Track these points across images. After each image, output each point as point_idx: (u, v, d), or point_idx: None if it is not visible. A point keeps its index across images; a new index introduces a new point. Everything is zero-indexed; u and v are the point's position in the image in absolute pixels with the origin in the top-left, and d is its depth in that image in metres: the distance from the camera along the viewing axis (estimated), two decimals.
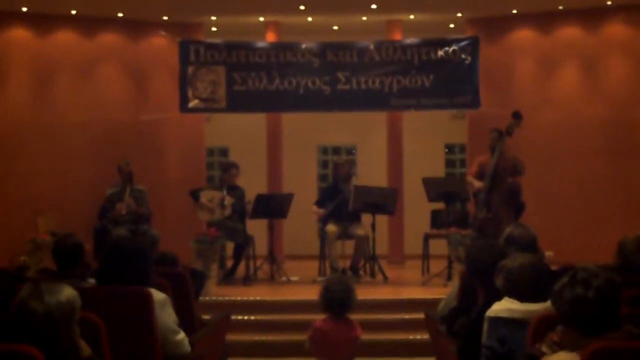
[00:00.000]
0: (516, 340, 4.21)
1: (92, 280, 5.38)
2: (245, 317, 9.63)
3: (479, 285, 5.25)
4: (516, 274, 4.39)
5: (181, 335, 5.25)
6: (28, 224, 12.35)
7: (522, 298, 4.34)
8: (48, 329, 3.55)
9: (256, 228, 12.09)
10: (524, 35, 14.03)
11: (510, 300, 4.38)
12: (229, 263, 11.89)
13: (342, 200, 11.63)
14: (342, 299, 6.10)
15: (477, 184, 10.76)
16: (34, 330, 3.53)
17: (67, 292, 3.66)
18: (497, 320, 4.37)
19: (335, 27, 14.67)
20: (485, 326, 4.47)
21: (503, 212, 10.33)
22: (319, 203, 12.01)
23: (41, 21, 13.58)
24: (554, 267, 5.28)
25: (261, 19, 14.11)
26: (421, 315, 8.08)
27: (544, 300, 4.29)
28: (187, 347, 5.29)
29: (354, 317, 6.93)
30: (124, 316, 4.87)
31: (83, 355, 3.70)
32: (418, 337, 8.88)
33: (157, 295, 5.08)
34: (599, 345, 3.31)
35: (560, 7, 13.52)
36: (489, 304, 4.55)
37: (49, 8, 13.25)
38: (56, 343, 3.57)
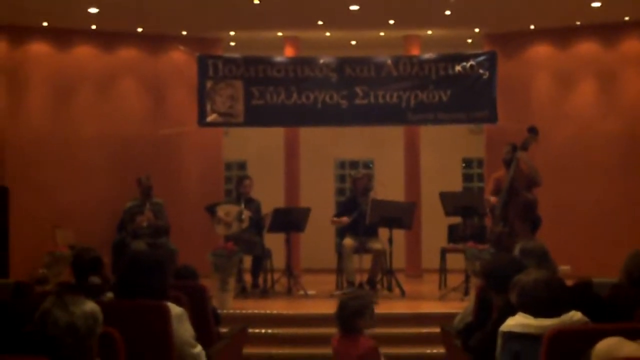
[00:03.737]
0: (530, 356, 4.21)
1: (110, 294, 5.42)
2: (263, 331, 9.64)
3: (496, 297, 5.26)
4: (530, 289, 4.40)
5: (198, 348, 5.28)
6: (47, 237, 12.47)
7: (536, 313, 4.34)
8: (70, 339, 3.51)
9: (273, 242, 12.11)
10: (542, 51, 14.05)
11: (524, 315, 4.38)
12: (247, 276, 11.92)
13: (359, 214, 11.66)
14: (348, 315, 6.04)
15: (493, 200, 10.76)
16: (56, 342, 3.50)
17: (91, 305, 3.66)
18: (510, 335, 4.38)
19: (353, 42, 14.74)
20: (499, 341, 4.48)
21: (519, 227, 10.31)
22: (338, 217, 12.04)
23: (61, 36, 13.71)
24: (571, 281, 5.29)
25: (279, 34, 14.19)
26: (438, 330, 8.09)
27: (558, 315, 4.30)
28: None
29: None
30: (141, 330, 4.89)
31: None
32: (435, 351, 8.87)
33: (175, 309, 5.11)
34: None
35: (578, 23, 13.55)
36: (503, 319, 4.56)
37: (69, 23, 13.37)
38: (76, 358, 3.55)
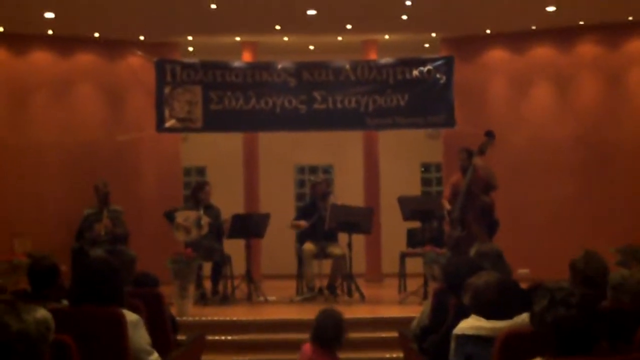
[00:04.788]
0: (482, 358, 4.25)
1: (65, 302, 5.39)
2: (222, 337, 9.63)
3: (454, 299, 5.29)
4: (482, 292, 4.44)
5: (154, 355, 5.25)
6: (4, 246, 12.35)
7: (488, 315, 4.38)
8: (22, 346, 3.50)
9: (233, 248, 12.09)
10: (498, 55, 14.17)
11: (477, 317, 4.41)
12: (206, 283, 11.88)
13: (318, 219, 11.68)
14: (334, 336, 6.14)
15: (447, 206, 10.85)
16: (7, 349, 3.49)
17: (43, 311, 3.65)
18: (463, 338, 4.41)
19: (311, 47, 14.76)
20: (452, 344, 4.51)
21: (477, 230, 10.37)
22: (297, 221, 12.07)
23: (17, 41, 13.58)
24: (528, 284, 5.33)
25: (237, 38, 14.19)
26: (397, 334, 8.12)
27: (510, 317, 4.34)
28: None
29: None
30: (97, 337, 4.87)
31: None
32: (394, 355, 8.90)
33: (130, 316, 5.09)
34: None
35: (533, 27, 13.69)
36: (457, 322, 4.59)
37: (25, 28, 13.26)
38: None
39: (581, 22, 13.45)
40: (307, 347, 6.13)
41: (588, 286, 5.69)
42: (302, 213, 12.30)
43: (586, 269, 5.93)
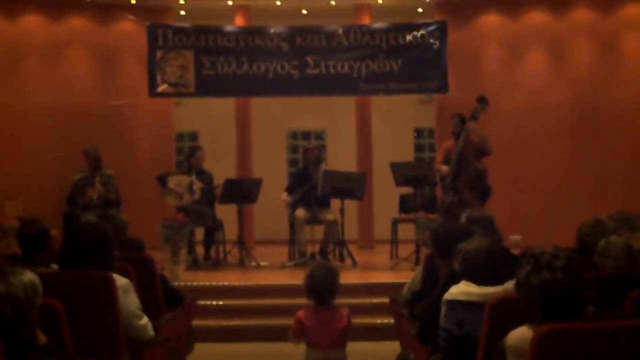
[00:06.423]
0: (473, 323, 4.25)
1: (55, 266, 5.37)
2: (214, 302, 9.65)
3: (442, 265, 5.29)
4: (473, 257, 4.43)
5: (144, 320, 5.26)
6: None
7: (478, 281, 4.38)
8: (10, 310, 3.49)
9: (226, 213, 12.08)
10: (492, 20, 14.07)
11: (467, 283, 4.41)
12: (199, 248, 11.88)
13: (311, 185, 11.66)
14: (324, 285, 6.01)
15: (444, 169, 10.76)
16: None
17: (30, 275, 3.64)
18: (454, 303, 4.42)
19: (304, 11, 14.64)
20: (443, 309, 4.52)
21: (469, 196, 10.33)
22: (289, 189, 12.02)
23: (8, 4, 13.46)
24: (520, 251, 5.32)
25: (230, 2, 14.08)
26: (388, 300, 8.13)
27: (500, 283, 4.34)
28: (150, 332, 5.31)
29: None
30: (86, 301, 4.87)
31: (39, 344, 3.66)
32: (385, 321, 8.93)
33: (120, 280, 5.09)
34: (554, 326, 3.37)
35: None
36: (448, 287, 4.59)
37: None
38: (17, 328, 3.52)
39: None
40: (302, 314, 6.04)
41: (583, 253, 5.70)
42: (294, 179, 12.28)
43: (585, 236, 5.97)
